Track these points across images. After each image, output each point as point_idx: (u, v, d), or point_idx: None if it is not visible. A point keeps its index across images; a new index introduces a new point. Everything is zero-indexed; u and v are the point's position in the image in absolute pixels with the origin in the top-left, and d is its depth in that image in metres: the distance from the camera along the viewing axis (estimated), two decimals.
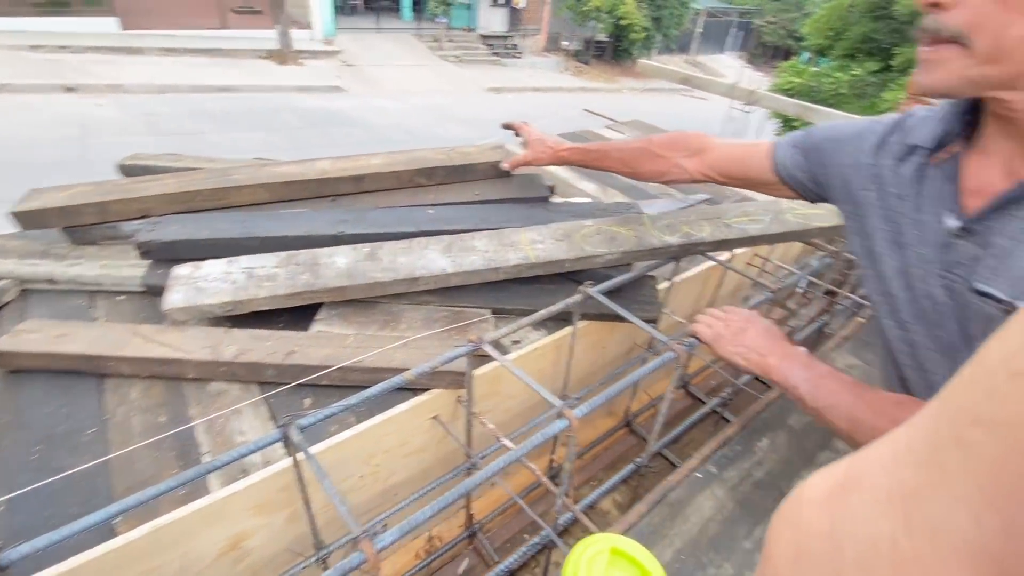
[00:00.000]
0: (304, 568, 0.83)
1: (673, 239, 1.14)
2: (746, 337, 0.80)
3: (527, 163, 1.25)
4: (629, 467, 1.02)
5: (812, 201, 0.85)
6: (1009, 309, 0.51)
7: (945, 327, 0.60)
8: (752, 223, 1.19)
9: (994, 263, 0.53)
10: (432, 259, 1.08)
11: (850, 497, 0.23)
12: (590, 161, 1.14)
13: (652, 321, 1.14)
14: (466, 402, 0.95)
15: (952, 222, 0.58)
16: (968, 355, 0.59)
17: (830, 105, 5.25)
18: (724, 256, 1.33)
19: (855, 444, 0.62)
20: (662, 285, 1.24)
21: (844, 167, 0.74)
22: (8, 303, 1.11)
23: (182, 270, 1.03)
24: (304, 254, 1.06)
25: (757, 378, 1.09)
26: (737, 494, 0.87)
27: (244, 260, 1.05)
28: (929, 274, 0.60)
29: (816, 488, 0.26)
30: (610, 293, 1.08)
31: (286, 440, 0.67)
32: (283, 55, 11.15)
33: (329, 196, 1.29)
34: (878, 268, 0.69)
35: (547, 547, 0.95)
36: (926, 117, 0.64)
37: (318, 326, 1.03)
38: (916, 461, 0.21)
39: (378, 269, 1.04)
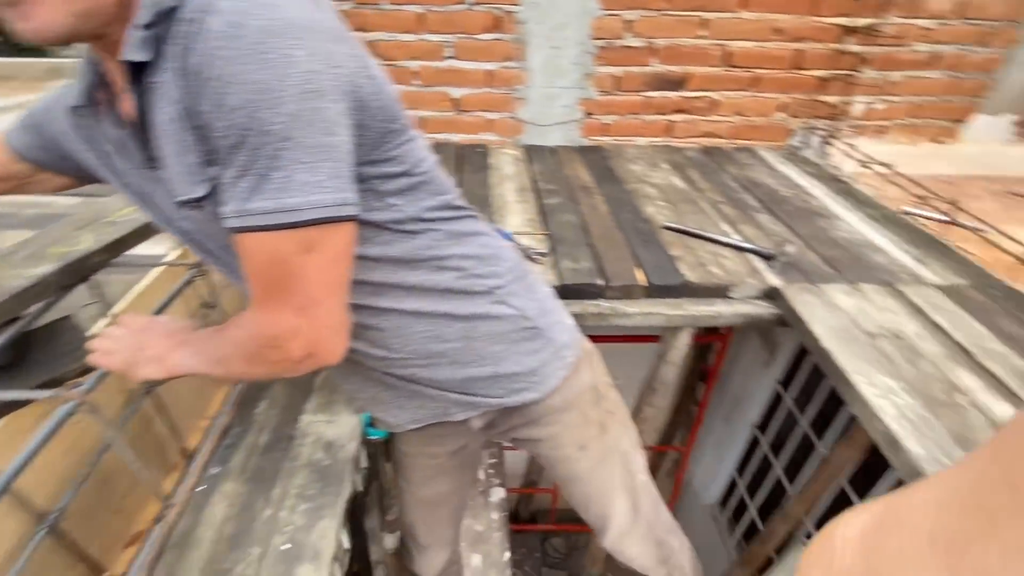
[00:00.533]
0: None
1: (46, 268, 0.91)
2: (148, 349, 0.70)
3: None
4: (155, 532, 0.86)
5: (89, 182, 0.76)
6: (195, 203, 0.55)
7: (213, 245, 0.64)
8: None
9: (168, 173, 0.56)
10: None
11: (889, 539, 0.22)
12: None
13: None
14: None
15: (141, 159, 0.58)
16: (235, 258, 0.64)
17: None
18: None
19: (244, 376, 0.63)
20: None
21: (62, 137, 0.68)
22: None
23: None
24: None
25: None
26: (247, 472, 0.84)
27: None
28: (173, 211, 0.61)
29: (851, 526, 0.25)
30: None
31: None
32: None
33: None
34: (157, 224, 0.68)
35: None
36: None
37: None
38: (963, 506, 0.20)
39: None
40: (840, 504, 1.99)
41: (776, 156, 2.18)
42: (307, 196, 0.50)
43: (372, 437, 0.93)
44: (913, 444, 0.91)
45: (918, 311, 1.24)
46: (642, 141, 2.24)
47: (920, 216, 1.72)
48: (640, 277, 1.34)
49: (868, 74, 2.05)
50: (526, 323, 0.77)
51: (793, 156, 2.19)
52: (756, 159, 2.15)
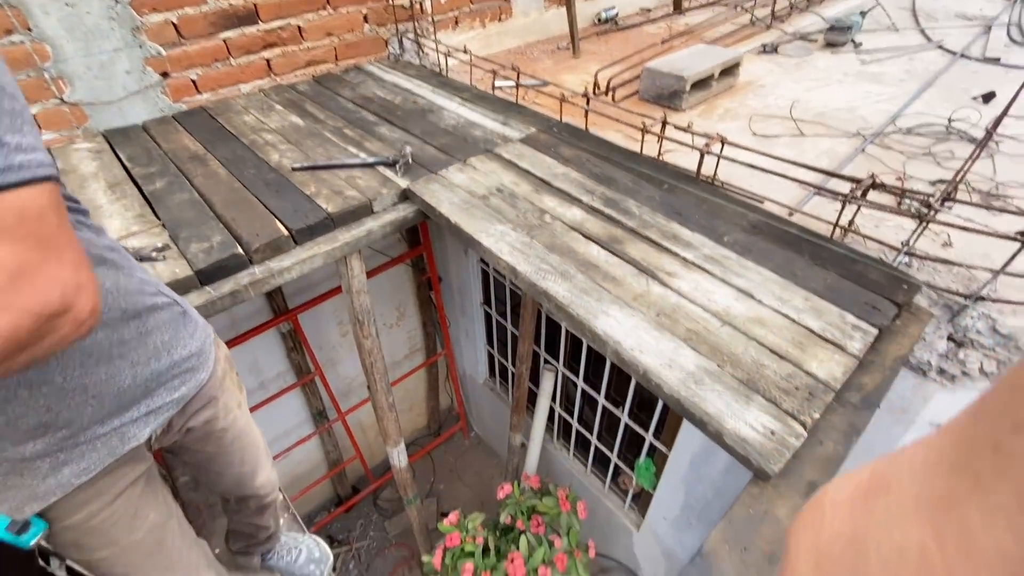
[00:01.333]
0: None
1: None
2: None
3: None
4: None
5: None
6: None
7: None
8: None
9: None
10: None
11: (876, 502, 0.22)
12: None
13: None
14: None
15: None
16: None
17: None
18: None
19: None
20: None
21: None
22: None
23: None
24: None
25: None
26: None
27: None
28: None
29: (840, 490, 0.25)
30: None
31: None
32: None
33: None
34: None
35: None
36: None
37: None
38: (949, 467, 0.20)
39: None
40: (552, 328, 2.49)
41: (381, 67, 2.27)
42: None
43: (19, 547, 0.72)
44: (524, 266, 1.16)
45: (510, 164, 1.53)
46: (246, 88, 2.05)
47: (502, 87, 2.06)
48: (282, 228, 1.31)
49: None
50: (179, 308, 0.82)
51: (397, 63, 2.32)
52: (365, 74, 2.21)
